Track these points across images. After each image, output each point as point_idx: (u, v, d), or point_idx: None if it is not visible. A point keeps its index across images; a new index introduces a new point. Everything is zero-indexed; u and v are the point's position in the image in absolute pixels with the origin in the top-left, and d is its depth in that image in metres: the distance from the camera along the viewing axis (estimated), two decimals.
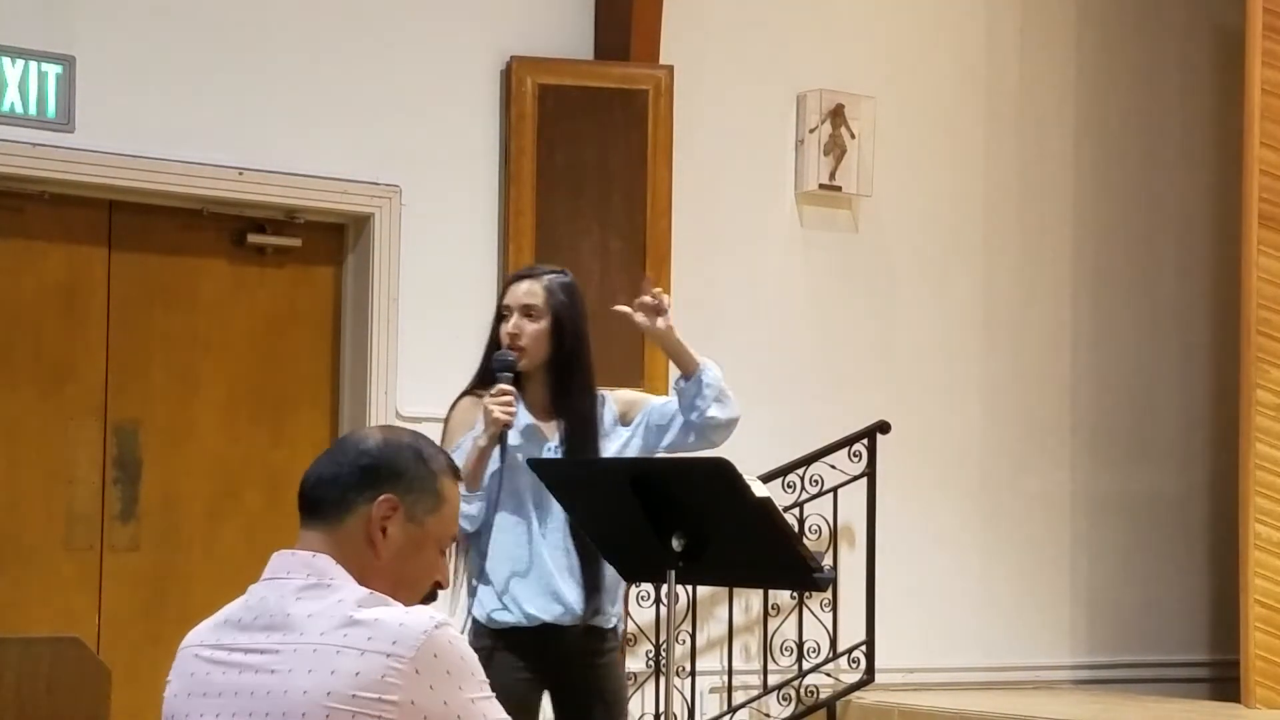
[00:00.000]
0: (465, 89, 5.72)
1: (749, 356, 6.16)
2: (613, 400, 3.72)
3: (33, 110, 5.10)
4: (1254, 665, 5.91)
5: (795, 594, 5.85)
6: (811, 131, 6.21)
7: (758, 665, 5.91)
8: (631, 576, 3.86)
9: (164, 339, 5.44)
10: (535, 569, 3.60)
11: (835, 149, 6.24)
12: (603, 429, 3.66)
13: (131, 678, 4.72)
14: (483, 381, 3.64)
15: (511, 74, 5.73)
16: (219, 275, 5.53)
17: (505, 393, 3.53)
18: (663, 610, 5.55)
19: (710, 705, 5.90)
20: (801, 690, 5.88)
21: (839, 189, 6.26)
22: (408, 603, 1.96)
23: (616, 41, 5.89)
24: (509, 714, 1.87)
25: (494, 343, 3.64)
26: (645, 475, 3.39)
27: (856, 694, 5.91)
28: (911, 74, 6.49)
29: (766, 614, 5.93)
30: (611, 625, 3.69)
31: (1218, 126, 6.95)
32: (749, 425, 6.08)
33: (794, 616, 5.92)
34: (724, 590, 5.82)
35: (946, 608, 6.44)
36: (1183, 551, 6.95)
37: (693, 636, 5.80)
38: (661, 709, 5.13)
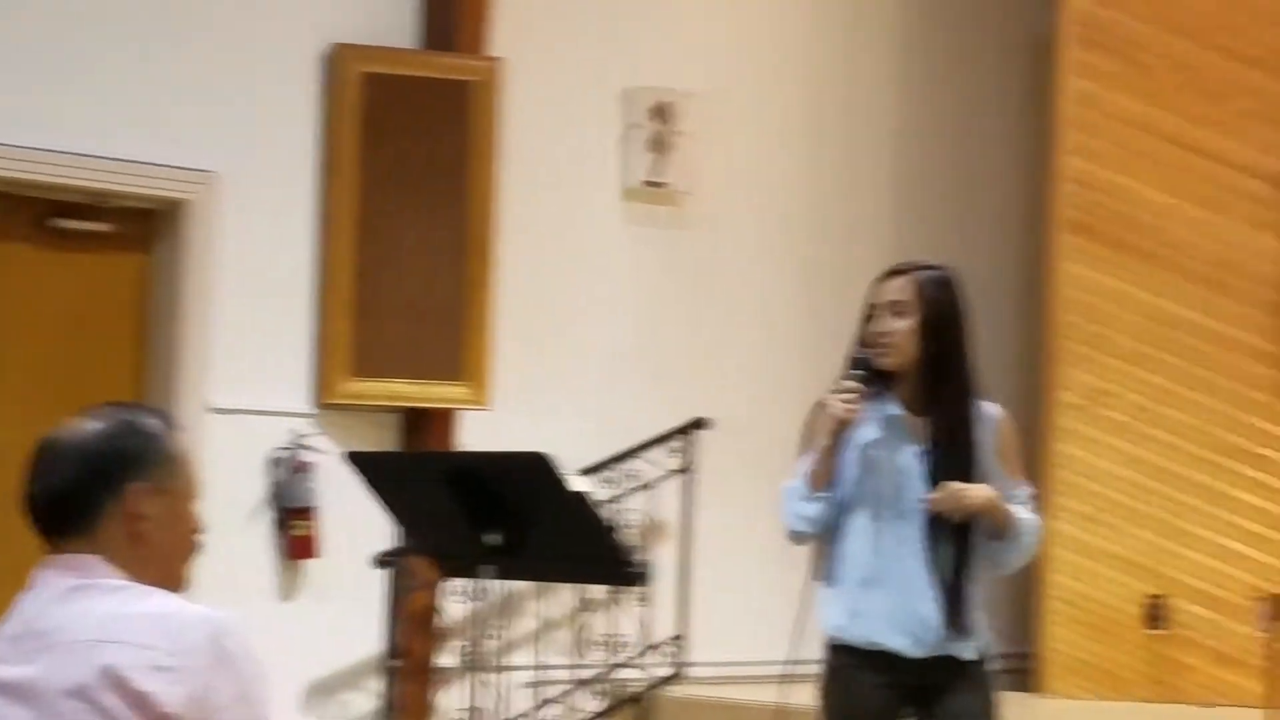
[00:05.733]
0: (285, 75, 5.62)
1: (573, 351, 6.18)
2: (1000, 424, 3.45)
3: None
4: (1051, 657, 6.16)
5: (611, 589, 5.87)
6: (637, 127, 6.24)
7: (573, 660, 5.93)
8: (447, 572, 3.86)
9: None
10: (886, 584, 3.33)
11: (661, 145, 6.28)
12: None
13: None
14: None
15: (334, 61, 5.65)
16: (21, 260, 5.35)
17: (849, 390, 3.31)
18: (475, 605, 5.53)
19: (523, 700, 5.90)
20: (614, 685, 5.90)
21: (664, 185, 6.30)
22: (187, 566, 1.97)
23: (444, 31, 5.84)
24: None
25: (860, 343, 3.40)
26: (463, 470, 3.38)
27: (666, 687, 5.96)
28: (738, 72, 6.55)
29: (581, 609, 5.94)
30: (970, 657, 3.39)
31: (1032, 133, 7.14)
32: (573, 420, 6.15)
33: (612, 611, 5.94)
34: (541, 585, 5.81)
35: (759, 602, 6.51)
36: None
37: (503, 631, 5.77)
38: (472, 704, 5.12)
